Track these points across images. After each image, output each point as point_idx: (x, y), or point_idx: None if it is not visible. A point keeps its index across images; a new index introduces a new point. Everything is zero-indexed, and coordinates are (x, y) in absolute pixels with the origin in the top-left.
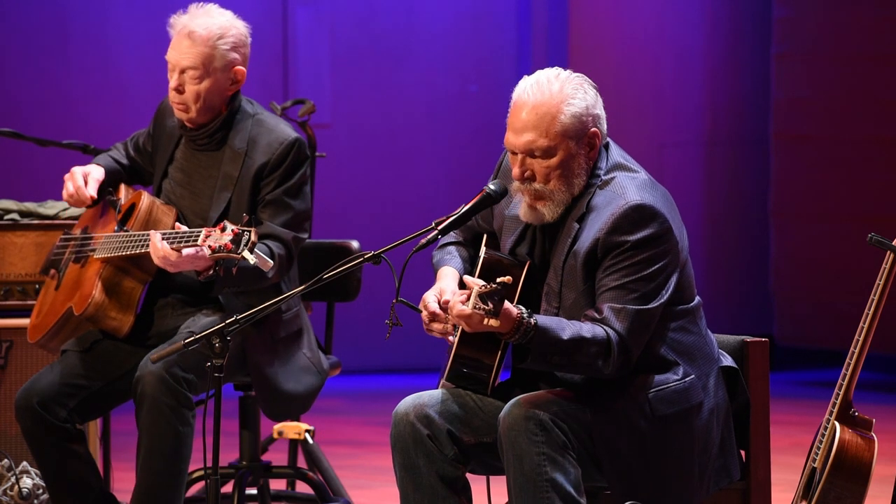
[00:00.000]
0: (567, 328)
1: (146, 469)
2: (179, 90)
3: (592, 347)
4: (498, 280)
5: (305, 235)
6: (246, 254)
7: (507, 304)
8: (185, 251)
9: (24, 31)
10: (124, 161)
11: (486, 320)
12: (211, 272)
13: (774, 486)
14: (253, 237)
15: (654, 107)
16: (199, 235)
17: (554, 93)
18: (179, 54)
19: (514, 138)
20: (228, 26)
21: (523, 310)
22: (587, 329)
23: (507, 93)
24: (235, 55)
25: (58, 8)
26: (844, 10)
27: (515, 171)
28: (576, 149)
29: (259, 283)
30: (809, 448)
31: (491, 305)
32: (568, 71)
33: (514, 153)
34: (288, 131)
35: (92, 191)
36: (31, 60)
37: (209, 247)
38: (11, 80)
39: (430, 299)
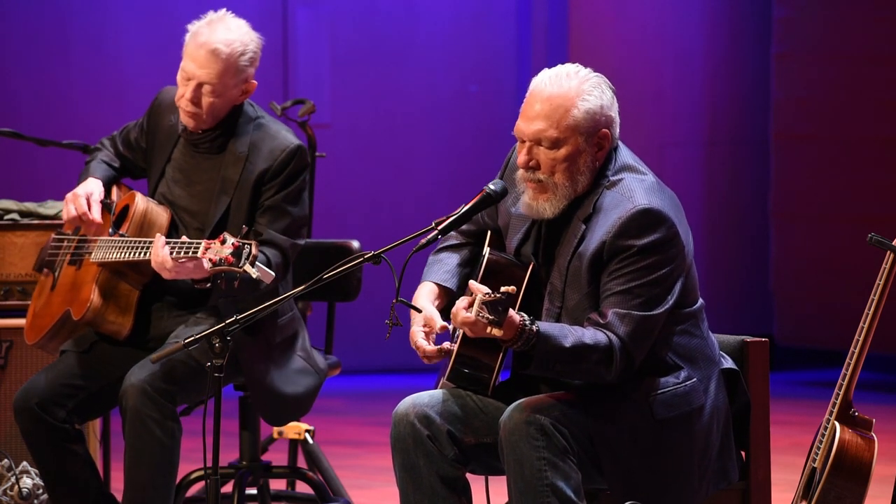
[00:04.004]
0: (569, 335)
1: (132, 482)
2: (195, 101)
3: (595, 354)
4: (502, 289)
5: (302, 242)
6: (248, 268)
7: (510, 311)
8: (184, 261)
9: (24, 31)
10: (116, 163)
11: (489, 329)
12: (208, 284)
13: (774, 486)
14: (254, 250)
15: (654, 107)
16: (199, 247)
17: (571, 87)
18: (199, 68)
19: (525, 126)
20: (248, 41)
21: (525, 317)
22: (589, 336)
23: (507, 93)
24: (252, 69)
25: (58, 8)
26: (844, 10)
27: (521, 158)
28: (584, 145)
29: (255, 291)
30: (809, 448)
31: (495, 316)
32: (588, 69)
33: (522, 141)
34: (290, 138)
35: (97, 214)
36: (31, 60)
37: (209, 259)
38: (11, 80)
39: (419, 338)
